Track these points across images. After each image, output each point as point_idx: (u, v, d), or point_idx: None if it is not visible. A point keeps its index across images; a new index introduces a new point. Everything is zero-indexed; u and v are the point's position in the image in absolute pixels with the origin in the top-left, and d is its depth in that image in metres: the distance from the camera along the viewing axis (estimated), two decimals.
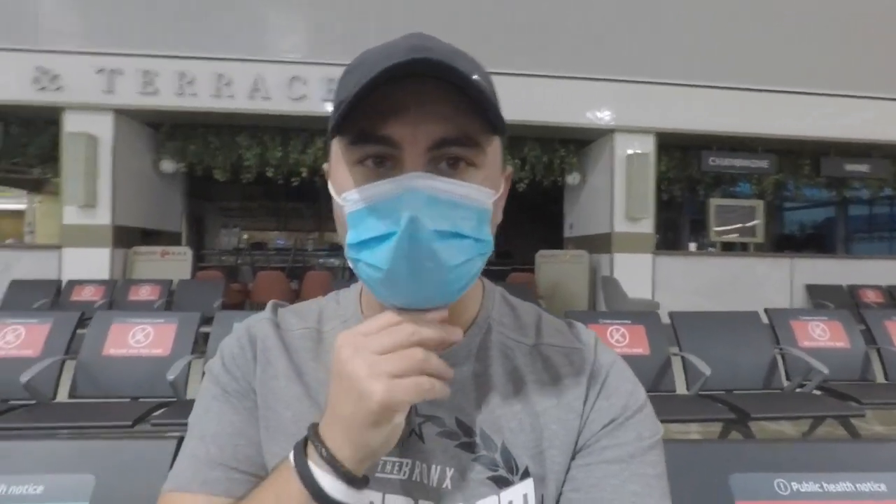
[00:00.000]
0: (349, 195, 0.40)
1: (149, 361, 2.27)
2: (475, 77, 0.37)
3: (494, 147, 0.42)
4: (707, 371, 2.27)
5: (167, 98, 5.36)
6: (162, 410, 2.05)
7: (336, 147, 0.42)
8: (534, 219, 9.36)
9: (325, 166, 0.47)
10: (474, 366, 0.48)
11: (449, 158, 0.39)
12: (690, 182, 7.07)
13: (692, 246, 6.90)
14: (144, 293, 4.60)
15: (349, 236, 0.40)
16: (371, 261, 0.39)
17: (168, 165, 6.09)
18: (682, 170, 6.72)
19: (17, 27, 5.13)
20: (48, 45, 5.18)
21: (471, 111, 0.38)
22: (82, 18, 5.38)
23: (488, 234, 0.41)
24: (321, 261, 9.61)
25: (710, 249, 6.62)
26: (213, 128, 5.97)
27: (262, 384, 0.49)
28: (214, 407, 0.49)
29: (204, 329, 2.45)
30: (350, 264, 0.42)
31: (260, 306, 0.58)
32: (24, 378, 1.99)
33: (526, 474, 0.45)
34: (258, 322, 0.52)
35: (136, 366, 2.27)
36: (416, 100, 0.37)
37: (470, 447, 0.45)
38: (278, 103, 5.48)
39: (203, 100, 5.41)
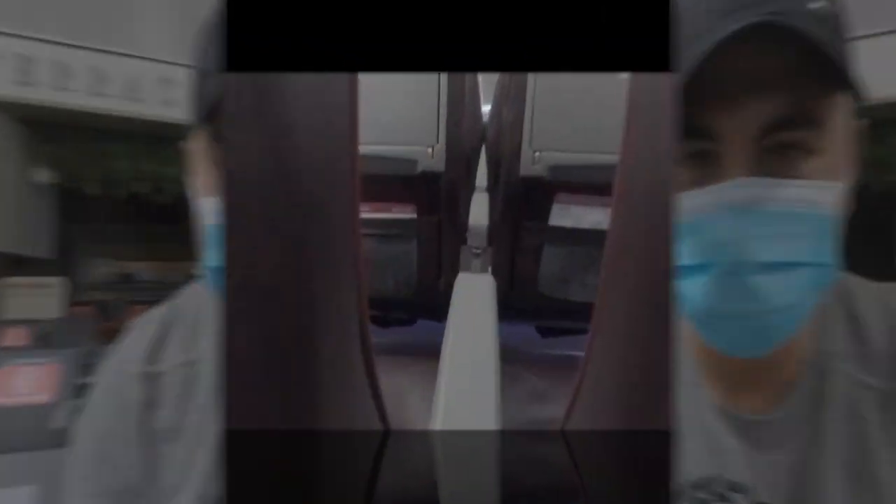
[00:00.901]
0: None
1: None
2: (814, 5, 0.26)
3: (838, 116, 0.29)
4: None
5: (44, 91, 4.61)
6: None
7: None
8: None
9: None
10: (808, 430, 0.34)
11: (777, 147, 0.28)
12: None
13: None
14: (12, 338, 3.77)
15: None
16: None
17: (42, 174, 5.21)
18: None
19: None
20: None
21: (805, 72, 0.26)
22: None
23: (831, 254, 0.29)
24: None
25: None
26: (89, 131, 5.23)
27: None
28: None
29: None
30: None
31: None
32: None
33: None
34: None
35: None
36: (736, 71, 0.27)
37: None
38: (152, 106, 4.97)
39: (79, 97, 4.71)
